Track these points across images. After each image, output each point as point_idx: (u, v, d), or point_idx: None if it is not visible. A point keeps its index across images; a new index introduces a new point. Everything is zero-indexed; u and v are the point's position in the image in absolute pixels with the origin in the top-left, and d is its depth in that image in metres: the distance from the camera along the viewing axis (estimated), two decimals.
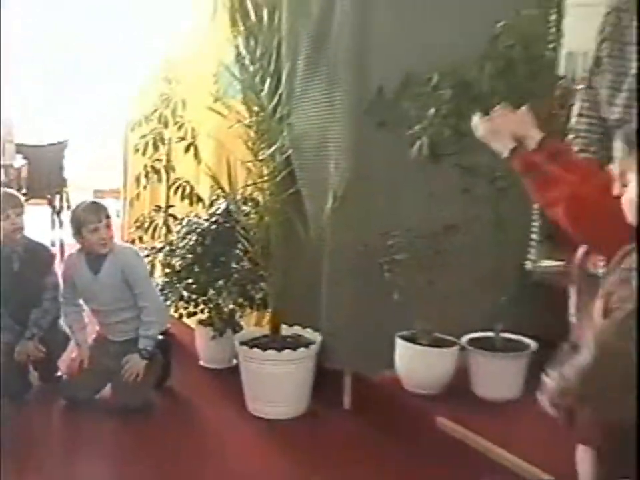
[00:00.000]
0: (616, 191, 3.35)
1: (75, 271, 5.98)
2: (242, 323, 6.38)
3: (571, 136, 5.04)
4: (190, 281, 6.22)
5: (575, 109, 4.99)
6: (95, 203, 6.06)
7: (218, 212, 6.28)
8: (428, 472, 4.96)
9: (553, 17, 6.08)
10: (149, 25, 7.72)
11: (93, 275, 5.88)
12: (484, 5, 5.46)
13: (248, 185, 6.13)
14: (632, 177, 3.11)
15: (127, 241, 6.46)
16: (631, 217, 3.08)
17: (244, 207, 6.03)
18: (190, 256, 6.20)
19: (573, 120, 5.00)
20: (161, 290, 6.44)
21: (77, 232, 5.86)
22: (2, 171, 7.62)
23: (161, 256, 6.57)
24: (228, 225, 6.12)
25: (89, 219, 5.79)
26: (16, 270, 5.99)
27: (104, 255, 5.87)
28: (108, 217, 5.88)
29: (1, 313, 5.94)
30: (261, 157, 5.92)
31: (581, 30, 6.27)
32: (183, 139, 6.89)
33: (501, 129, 3.45)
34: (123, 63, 8.11)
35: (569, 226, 3.49)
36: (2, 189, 6.22)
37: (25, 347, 5.94)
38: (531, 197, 3.54)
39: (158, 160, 7.04)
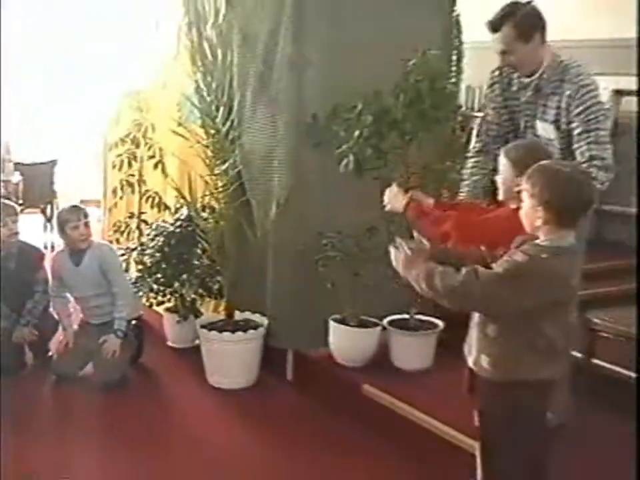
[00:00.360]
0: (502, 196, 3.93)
1: (60, 265, 6.07)
2: (202, 309, 6.43)
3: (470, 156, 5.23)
4: (159, 275, 6.26)
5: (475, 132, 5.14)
6: (75, 206, 6.15)
7: (181, 218, 6.33)
8: (354, 429, 5.17)
9: (454, 57, 6.18)
10: (122, 62, 7.74)
11: (75, 266, 6.00)
12: (398, 46, 5.48)
13: (206, 195, 6.19)
14: (523, 196, 3.38)
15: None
16: (526, 225, 3.41)
17: (203, 214, 6.07)
18: (158, 254, 6.24)
19: (474, 139, 5.17)
20: (134, 283, 6.49)
21: (61, 230, 6.01)
22: (2, 185, 7.63)
23: (134, 254, 6.61)
24: (190, 228, 6.16)
25: (70, 218, 5.93)
26: (12, 268, 6.09)
27: (84, 250, 5.98)
28: (86, 216, 6.00)
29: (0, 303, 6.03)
30: (216, 172, 6.02)
31: (476, 68, 6.44)
32: (152, 157, 6.88)
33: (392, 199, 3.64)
34: (101, 95, 8.10)
35: (460, 245, 3.69)
36: (0, 200, 6.26)
37: (21, 332, 6.06)
38: (423, 233, 3.66)
39: (131, 175, 7.02)
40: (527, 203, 3.40)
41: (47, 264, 6.51)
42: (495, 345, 3.47)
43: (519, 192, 3.57)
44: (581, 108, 4.43)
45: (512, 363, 3.44)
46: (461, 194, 5.21)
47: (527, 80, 4.67)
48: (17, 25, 9.47)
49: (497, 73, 4.92)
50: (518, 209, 3.57)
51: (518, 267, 3.28)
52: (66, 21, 9.73)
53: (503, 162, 3.98)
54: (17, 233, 6.16)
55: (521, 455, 3.51)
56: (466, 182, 5.23)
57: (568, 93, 4.46)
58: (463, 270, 3.34)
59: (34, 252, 6.42)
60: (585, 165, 4.34)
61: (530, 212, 3.39)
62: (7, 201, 6.31)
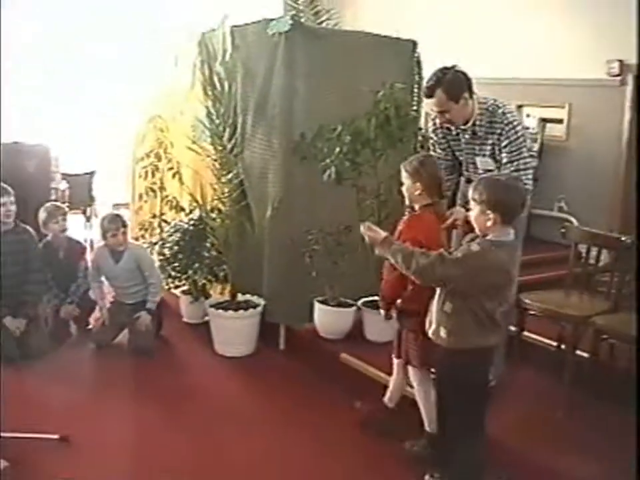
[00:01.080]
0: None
1: (101, 260, 6.03)
2: (211, 292, 6.38)
3: None
4: (176, 264, 6.21)
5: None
6: (116, 215, 6.11)
7: (194, 217, 6.29)
8: (333, 389, 5.18)
9: (415, 89, 6.23)
10: (148, 91, 7.70)
11: (115, 263, 5.97)
12: (370, 80, 5.47)
13: (214, 199, 6.14)
14: (472, 204, 3.56)
15: (134, 238, 6.43)
16: (477, 226, 3.59)
17: (211, 214, 6.03)
18: (175, 247, 6.21)
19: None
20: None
21: (103, 236, 5.97)
22: (53, 191, 7.60)
23: (156, 248, 6.57)
24: (201, 226, 6.13)
25: (110, 227, 5.90)
26: (61, 257, 6.13)
27: (121, 251, 5.96)
28: (124, 225, 5.98)
29: (53, 284, 6.06)
30: (223, 180, 6.00)
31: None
32: (171, 168, 6.86)
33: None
34: (130, 117, 8.06)
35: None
36: (51, 203, 6.23)
37: (67, 309, 6.08)
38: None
39: (154, 183, 7.00)
40: (476, 209, 3.55)
41: (87, 256, 6.52)
42: (450, 320, 3.61)
43: (419, 195, 4.08)
44: (506, 142, 4.42)
45: (463, 334, 3.60)
46: None
47: (463, 127, 4.60)
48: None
49: (437, 122, 4.82)
50: (421, 208, 4.13)
51: (472, 255, 3.49)
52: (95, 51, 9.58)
53: (403, 174, 4.20)
54: (65, 229, 6.20)
55: (470, 407, 3.68)
56: None
57: (498, 131, 4.44)
58: (433, 253, 3.53)
59: (78, 245, 6.43)
60: None
61: (480, 216, 3.54)
62: (57, 203, 6.28)
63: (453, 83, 4.39)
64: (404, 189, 4.23)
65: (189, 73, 6.56)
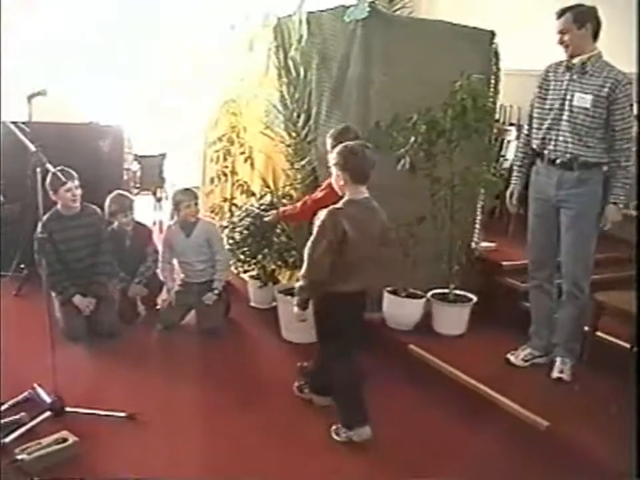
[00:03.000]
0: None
1: (173, 236, 6.03)
2: (279, 278, 6.35)
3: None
4: (245, 249, 6.16)
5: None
6: (187, 189, 6.11)
7: (265, 203, 6.21)
8: (400, 377, 5.08)
9: (492, 81, 6.13)
10: (224, 75, 7.69)
11: (186, 237, 5.97)
12: (447, 70, 5.45)
13: (286, 185, 6.14)
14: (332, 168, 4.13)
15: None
16: (336, 188, 4.17)
17: (283, 200, 6.03)
18: (246, 232, 6.13)
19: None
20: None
21: (176, 207, 5.98)
22: (125, 172, 7.62)
23: (226, 232, 6.56)
24: (272, 211, 6.08)
25: (184, 199, 5.92)
26: (127, 244, 6.14)
27: (194, 224, 5.97)
28: (196, 197, 6.02)
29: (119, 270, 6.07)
30: (296, 167, 6.00)
31: (509, 90, 6.35)
32: (243, 153, 6.85)
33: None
34: (205, 101, 8.07)
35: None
36: (119, 193, 6.21)
37: (135, 288, 6.09)
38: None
39: (226, 167, 7.00)
40: (333, 171, 4.11)
41: (156, 238, 6.55)
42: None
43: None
44: (619, 113, 4.56)
45: (329, 281, 4.04)
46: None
47: (574, 61, 4.67)
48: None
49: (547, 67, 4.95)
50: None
51: (320, 221, 4.02)
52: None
53: (327, 142, 4.84)
54: (132, 219, 6.19)
55: (334, 336, 4.21)
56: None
57: (611, 90, 4.52)
58: None
59: (144, 230, 6.40)
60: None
61: (336, 178, 4.11)
62: (125, 194, 6.29)
63: (583, 12, 4.61)
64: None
65: (264, 57, 6.54)
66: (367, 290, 4.29)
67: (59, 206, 5.54)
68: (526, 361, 5.08)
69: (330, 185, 4.61)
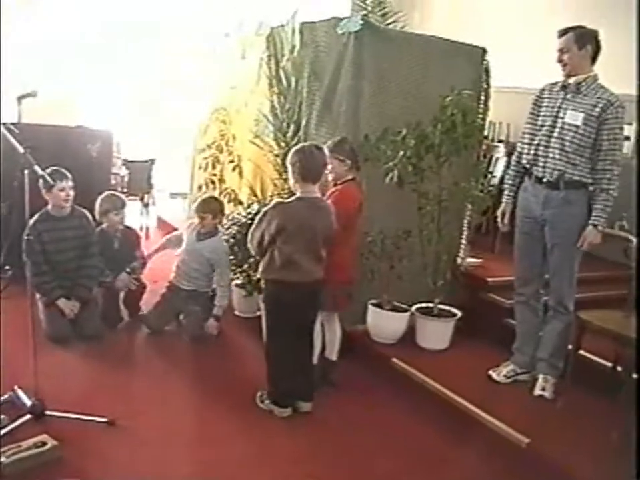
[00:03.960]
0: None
1: (187, 231, 6.10)
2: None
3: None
4: (231, 257, 6.19)
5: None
6: (215, 199, 6.18)
7: (252, 211, 6.22)
8: (382, 390, 5.13)
9: (482, 97, 6.15)
10: (214, 83, 7.70)
11: (197, 241, 5.97)
12: (438, 85, 5.51)
13: (274, 195, 6.12)
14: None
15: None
16: (292, 187, 4.59)
17: None
18: (232, 240, 6.17)
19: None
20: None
21: (202, 217, 5.94)
22: (113, 176, 7.59)
23: None
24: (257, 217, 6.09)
25: (210, 208, 5.95)
26: (116, 246, 6.11)
27: (210, 234, 5.96)
28: (222, 211, 6.06)
29: (104, 269, 5.97)
30: (284, 177, 5.95)
31: (498, 107, 6.38)
32: (232, 161, 6.89)
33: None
34: (193, 108, 8.08)
35: None
36: (111, 193, 6.21)
37: (124, 278, 6.05)
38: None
39: (214, 175, 7.05)
40: (289, 170, 4.46)
41: (143, 243, 6.57)
42: (265, 258, 4.48)
43: (345, 170, 4.89)
44: (606, 134, 4.58)
45: (267, 267, 4.46)
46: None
47: (569, 81, 4.70)
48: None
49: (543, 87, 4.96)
50: (343, 182, 4.90)
51: (265, 210, 4.47)
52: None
53: (327, 156, 4.73)
54: (123, 219, 6.15)
55: (275, 322, 4.58)
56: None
57: (602, 110, 4.55)
58: None
59: (133, 233, 6.40)
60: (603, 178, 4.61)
61: (291, 176, 4.46)
62: (117, 194, 6.29)
63: (585, 33, 4.65)
64: (329, 168, 4.80)
65: (256, 66, 6.56)
66: (310, 284, 4.50)
67: (49, 207, 5.52)
68: (508, 377, 5.08)
69: (329, 195, 4.84)
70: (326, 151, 4.63)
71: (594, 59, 4.66)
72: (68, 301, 5.57)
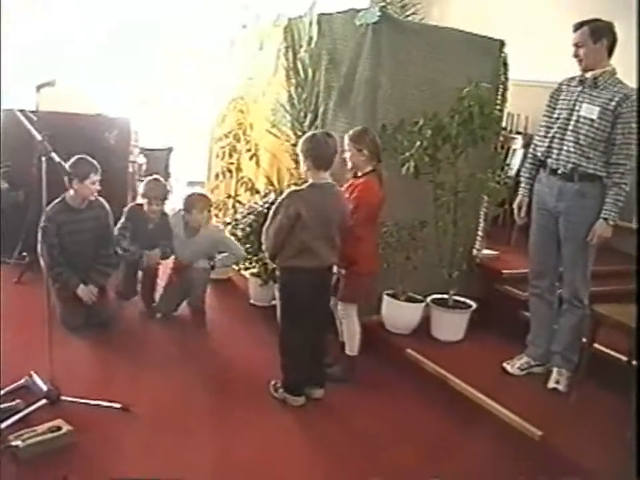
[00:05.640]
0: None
1: (175, 226, 6.04)
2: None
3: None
4: (247, 245, 6.19)
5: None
6: (201, 195, 6.16)
7: (269, 200, 6.21)
8: (396, 380, 5.13)
9: (500, 89, 6.14)
10: (234, 73, 7.69)
11: (187, 238, 5.97)
12: (455, 77, 5.50)
13: (290, 184, 6.09)
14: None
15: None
16: (302, 174, 4.74)
17: None
18: (248, 229, 6.20)
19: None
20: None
21: (188, 211, 5.95)
22: (130, 164, 7.56)
23: (229, 228, 6.58)
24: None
25: (199, 205, 5.94)
26: (150, 227, 6.01)
27: (197, 229, 5.97)
28: (210, 206, 6.09)
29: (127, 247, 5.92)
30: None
31: (518, 99, 6.35)
32: (249, 150, 6.89)
33: None
34: (212, 97, 8.07)
35: None
36: (161, 180, 6.17)
37: (156, 253, 6.00)
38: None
39: (231, 163, 7.04)
40: (300, 158, 4.50)
41: None
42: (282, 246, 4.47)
43: (363, 161, 4.88)
44: (620, 128, 4.56)
45: (283, 255, 4.47)
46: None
47: (586, 75, 4.69)
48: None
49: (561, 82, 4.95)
50: (364, 174, 4.88)
51: (279, 200, 4.45)
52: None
53: (347, 144, 4.94)
54: (162, 210, 6.09)
55: (291, 308, 4.60)
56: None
57: (618, 104, 4.53)
58: None
59: (169, 224, 6.15)
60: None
61: (302, 163, 4.50)
62: (163, 181, 6.21)
63: (600, 26, 4.61)
64: (347, 156, 4.91)
65: (273, 57, 6.56)
66: (324, 269, 4.57)
67: (67, 196, 5.43)
68: (522, 370, 5.08)
69: (348, 186, 4.87)
70: (339, 139, 4.65)
71: (610, 52, 4.63)
72: (85, 286, 5.53)
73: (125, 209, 6.05)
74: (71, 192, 5.42)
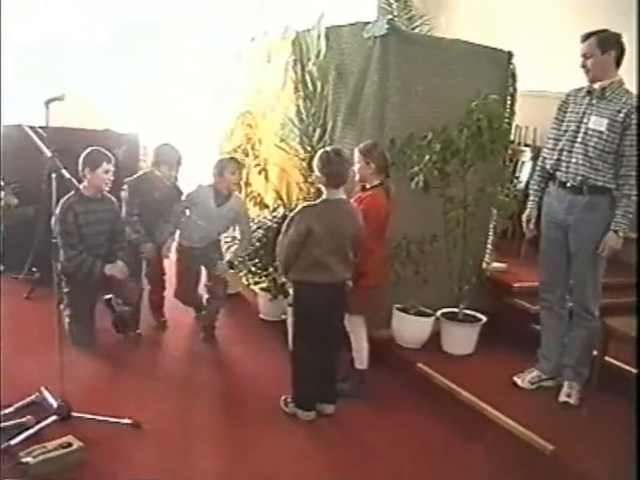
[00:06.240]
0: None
1: (202, 198, 5.88)
2: (290, 290, 6.34)
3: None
4: (257, 260, 6.22)
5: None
6: (233, 158, 6.14)
7: (278, 215, 6.29)
8: (406, 395, 5.13)
9: (509, 101, 6.14)
10: (241, 87, 7.72)
11: (216, 207, 5.85)
12: (464, 89, 5.50)
13: (300, 199, 6.13)
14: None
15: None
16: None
17: None
18: (258, 243, 6.22)
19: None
20: (236, 266, 6.48)
21: (220, 173, 5.84)
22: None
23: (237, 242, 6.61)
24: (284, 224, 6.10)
25: (231, 166, 5.86)
26: (156, 196, 5.91)
27: (227, 196, 5.87)
28: (242, 168, 6.05)
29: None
30: (309, 180, 5.97)
31: (525, 111, 6.38)
32: (257, 165, 6.91)
33: None
34: (222, 114, 8.08)
35: None
36: (172, 146, 6.10)
37: (149, 248, 5.90)
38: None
39: (240, 178, 7.06)
40: (315, 173, 4.56)
41: None
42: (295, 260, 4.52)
43: (370, 174, 4.94)
44: (629, 140, 4.56)
45: (296, 269, 4.52)
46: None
47: (594, 86, 4.70)
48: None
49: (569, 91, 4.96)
50: (372, 187, 4.94)
51: (292, 215, 4.54)
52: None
53: (356, 156, 5.01)
54: (175, 177, 6.05)
55: (303, 323, 4.65)
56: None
57: (626, 115, 4.55)
58: None
59: (178, 192, 6.09)
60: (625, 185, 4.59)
61: (315, 178, 4.65)
62: (174, 147, 6.11)
63: (607, 37, 4.61)
64: (356, 169, 4.94)
65: (282, 70, 6.57)
66: (339, 285, 4.58)
67: (82, 187, 5.28)
68: (533, 383, 5.08)
69: (356, 199, 4.89)
70: (348, 153, 4.72)
71: (618, 63, 4.64)
72: (113, 264, 5.48)
73: (127, 181, 5.90)
74: (85, 183, 5.37)
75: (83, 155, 5.33)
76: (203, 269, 6.12)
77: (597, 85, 4.67)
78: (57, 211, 5.06)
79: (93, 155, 5.34)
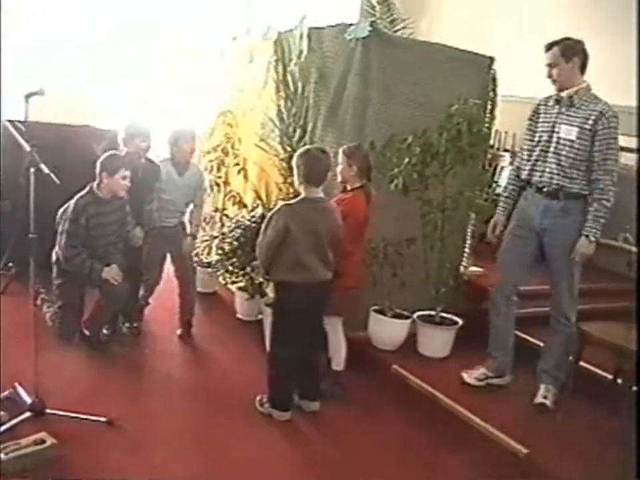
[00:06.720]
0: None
1: (164, 174, 5.80)
2: (267, 291, 6.33)
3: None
4: (234, 260, 6.18)
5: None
6: (187, 128, 5.99)
7: (257, 215, 6.27)
8: (382, 397, 5.15)
9: (489, 106, 6.17)
10: (222, 86, 7.70)
11: (179, 177, 5.83)
12: (445, 93, 5.54)
13: (279, 199, 6.11)
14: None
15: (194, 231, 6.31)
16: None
17: None
18: (235, 243, 6.19)
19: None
20: (214, 265, 6.56)
21: (174, 144, 5.81)
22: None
23: (216, 241, 6.59)
24: (262, 224, 6.09)
25: (183, 136, 5.81)
26: (138, 177, 5.60)
27: (186, 165, 5.86)
28: (195, 137, 5.96)
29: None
30: (289, 181, 5.96)
31: (506, 116, 6.38)
32: (237, 164, 6.90)
33: None
34: (200, 111, 8.05)
35: None
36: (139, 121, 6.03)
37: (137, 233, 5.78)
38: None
39: (219, 177, 7.03)
40: (294, 172, 4.57)
41: None
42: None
43: (352, 176, 4.97)
44: (599, 144, 4.59)
45: (276, 269, 4.54)
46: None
47: (562, 94, 4.74)
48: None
49: (539, 100, 5.00)
50: (353, 189, 4.97)
51: (270, 214, 4.52)
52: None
53: (340, 158, 5.04)
54: (148, 149, 5.83)
55: (283, 322, 4.66)
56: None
57: (595, 121, 4.57)
58: None
59: (156, 169, 5.86)
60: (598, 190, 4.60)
61: (295, 177, 4.59)
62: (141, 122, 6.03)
63: (570, 45, 4.67)
64: (339, 170, 5.01)
65: (263, 70, 6.58)
66: (318, 284, 4.54)
67: (95, 188, 5.25)
68: (479, 380, 5.14)
69: (336, 200, 4.91)
70: (334, 154, 4.70)
71: (583, 70, 4.69)
72: (109, 268, 5.34)
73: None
74: (101, 185, 5.27)
75: (101, 158, 5.22)
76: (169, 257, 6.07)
77: (564, 93, 4.71)
78: (70, 209, 5.04)
79: (111, 160, 5.23)
